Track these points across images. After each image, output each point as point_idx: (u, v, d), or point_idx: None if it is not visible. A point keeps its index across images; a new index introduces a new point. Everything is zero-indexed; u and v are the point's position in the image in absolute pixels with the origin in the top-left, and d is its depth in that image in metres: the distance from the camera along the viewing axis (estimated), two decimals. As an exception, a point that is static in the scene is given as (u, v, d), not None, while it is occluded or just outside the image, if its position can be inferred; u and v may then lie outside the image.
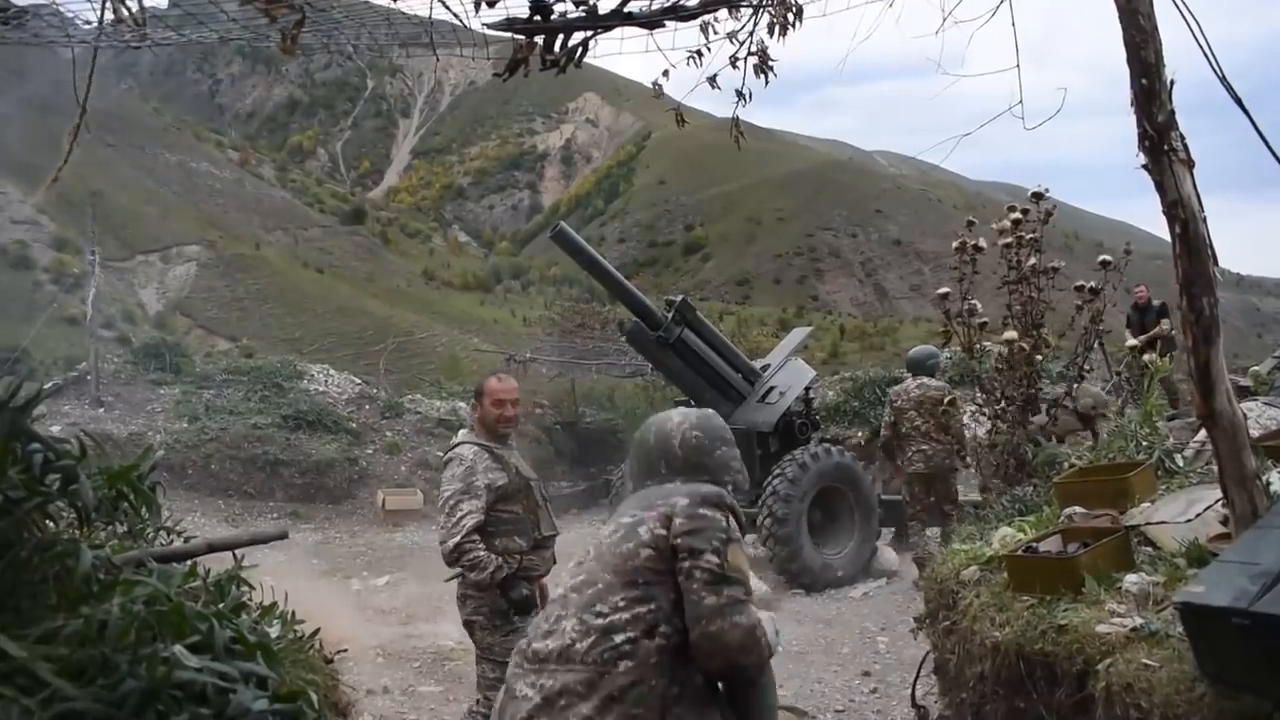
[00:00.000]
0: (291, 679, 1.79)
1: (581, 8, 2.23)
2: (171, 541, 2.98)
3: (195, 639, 1.35)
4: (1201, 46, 2.16)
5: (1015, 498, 4.65)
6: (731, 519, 1.82)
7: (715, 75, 4.35)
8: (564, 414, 15.48)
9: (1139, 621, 2.31)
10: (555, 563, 3.50)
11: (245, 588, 2.10)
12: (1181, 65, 2.34)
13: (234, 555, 2.16)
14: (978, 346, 6.46)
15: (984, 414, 6.77)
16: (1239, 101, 2.19)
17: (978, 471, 7.39)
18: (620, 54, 2.72)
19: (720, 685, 1.79)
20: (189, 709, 1.20)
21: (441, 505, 3.29)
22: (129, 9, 2.34)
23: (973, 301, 6.42)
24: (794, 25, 3.62)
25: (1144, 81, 2.22)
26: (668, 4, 2.38)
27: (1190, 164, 2.21)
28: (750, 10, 3.28)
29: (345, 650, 3.55)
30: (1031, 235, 6.16)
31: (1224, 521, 2.90)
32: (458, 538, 3.18)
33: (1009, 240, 6.15)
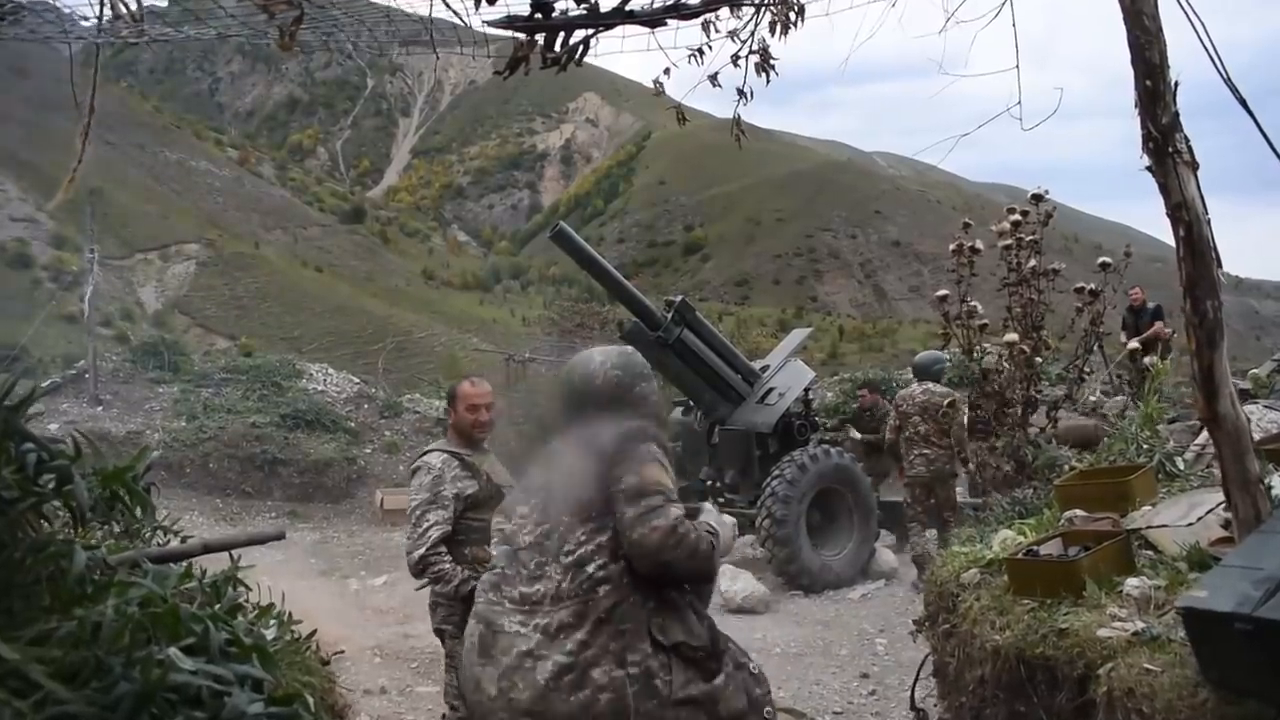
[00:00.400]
0: (288, 681, 1.77)
1: (583, 5, 2.22)
2: (169, 541, 2.97)
3: (190, 641, 1.34)
4: (1205, 46, 2.15)
5: (1015, 500, 4.63)
6: (653, 445, 2.00)
7: (716, 74, 4.32)
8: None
9: (1140, 626, 2.29)
10: None
11: (242, 589, 2.09)
12: (1181, 68, 2.33)
13: (230, 556, 2.15)
14: (977, 348, 6.45)
15: (983, 415, 6.77)
16: (1243, 102, 2.18)
17: (969, 474, 7.39)
18: (621, 52, 2.71)
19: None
20: (183, 712, 1.18)
21: (409, 514, 3.24)
22: (127, 6, 2.33)
23: (972, 303, 6.42)
24: (796, 24, 3.61)
25: (1148, 83, 2.20)
26: (669, 2, 2.36)
27: (1194, 166, 2.20)
28: (752, 9, 3.26)
29: (342, 651, 3.53)
30: (1031, 237, 6.15)
31: (1225, 525, 2.89)
32: (423, 549, 3.13)
33: (1009, 242, 6.14)
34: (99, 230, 18.87)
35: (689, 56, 4.31)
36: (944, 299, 6.36)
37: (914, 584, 7.51)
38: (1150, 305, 10.16)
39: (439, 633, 3.31)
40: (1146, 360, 6.69)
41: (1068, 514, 3.41)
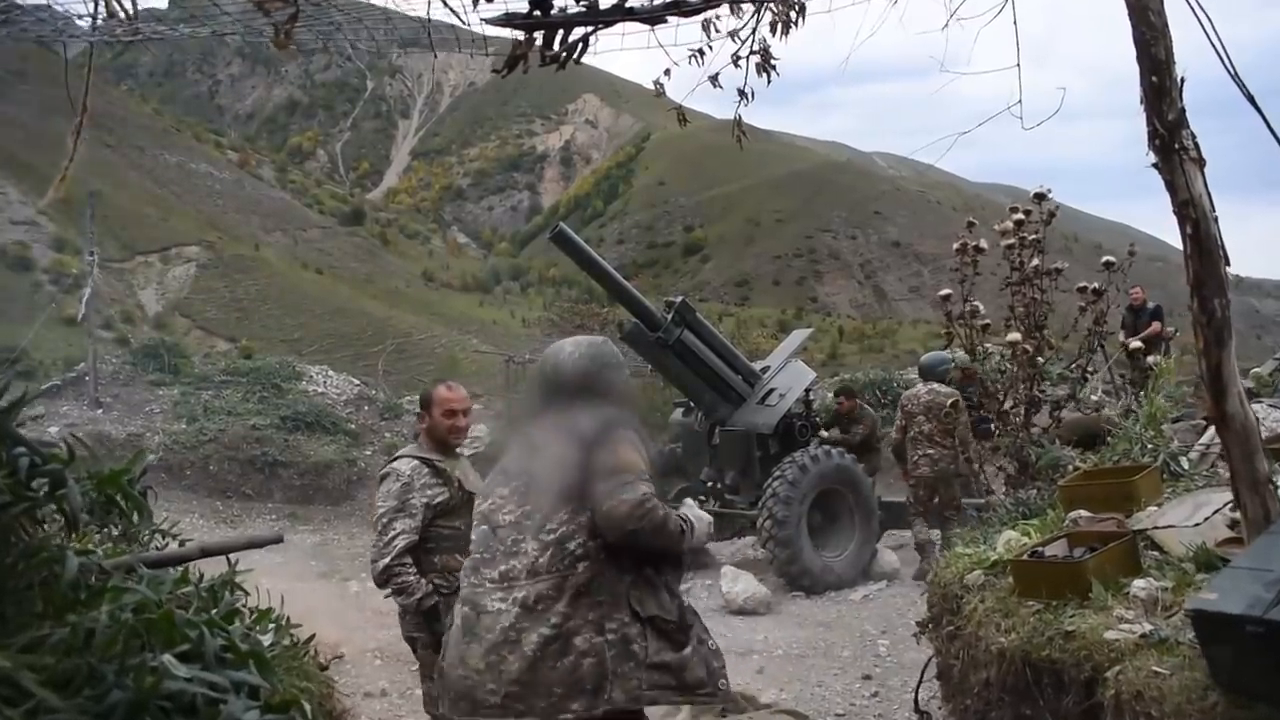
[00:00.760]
0: (286, 687, 1.75)
1: (582, 3, 2.20)
2: (168, 544, 2.94)
3: (185, 648, 1.31)
4: (1211, 41, 2.13)
5: (1019, 500, 4.60)
6: (629, 431, 2.14)
7: (717, 74, 4.30)
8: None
9: (1148, 628, 2.27)
10: None
11: (240, 593, 2.07)
12: (1184, 66, 2.30)
13: (228, 560, 2.13)
14: (980, 348, 6.43)
15: (986, 415, 6.74)
16: (1250, 98, 2.16)
17: (980, 474, 7.37)
18: (622, 50, 2.69)
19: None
20: (177, 721, 1.16)
21: (375, 523, 3.14)
22: (122, 5, 2.31)
23: (974, 303, 6.39)
24: (797, 23, 3.59)
25: (1154, 79, 2.18)
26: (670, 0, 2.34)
27: (1201, 163, 2.17)
28: (752, 7, 3.24)
29: (341, 655, 3.50)
30: (1034, 236, 6.13)
31: (1232, 526, 2.86)
32: (388, 559, 3.04)
33: (1011, 241, 6.12)
34: (99, 233, 18.84)
35: (689, 57, 4.28)
36: (947, 298, 6.33)
37: (914, 576, 7.54)
38: (1150, 305, 10.15)
39: (411, 640, 3.23)
40: (1150, 360, 6.65)
41: (1072, 515, 3.38)
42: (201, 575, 2.04)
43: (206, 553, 1.98)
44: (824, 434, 9.17)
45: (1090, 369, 6.55)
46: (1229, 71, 2.24)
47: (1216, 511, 2.97)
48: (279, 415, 13.65)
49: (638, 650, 2.02)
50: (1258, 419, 2.37)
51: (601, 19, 2.21)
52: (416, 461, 3.21)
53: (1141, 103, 2.23)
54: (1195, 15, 2.11)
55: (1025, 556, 3.00)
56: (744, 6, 3.29)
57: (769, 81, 4.21)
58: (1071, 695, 2.26)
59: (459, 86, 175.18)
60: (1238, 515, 2.75)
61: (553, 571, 2.02)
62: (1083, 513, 3.35)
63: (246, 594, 2.11)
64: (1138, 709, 1.97)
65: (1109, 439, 4.54)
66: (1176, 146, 2.16)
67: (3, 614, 1.20)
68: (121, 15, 2.31)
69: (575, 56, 2.41)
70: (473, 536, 2.25)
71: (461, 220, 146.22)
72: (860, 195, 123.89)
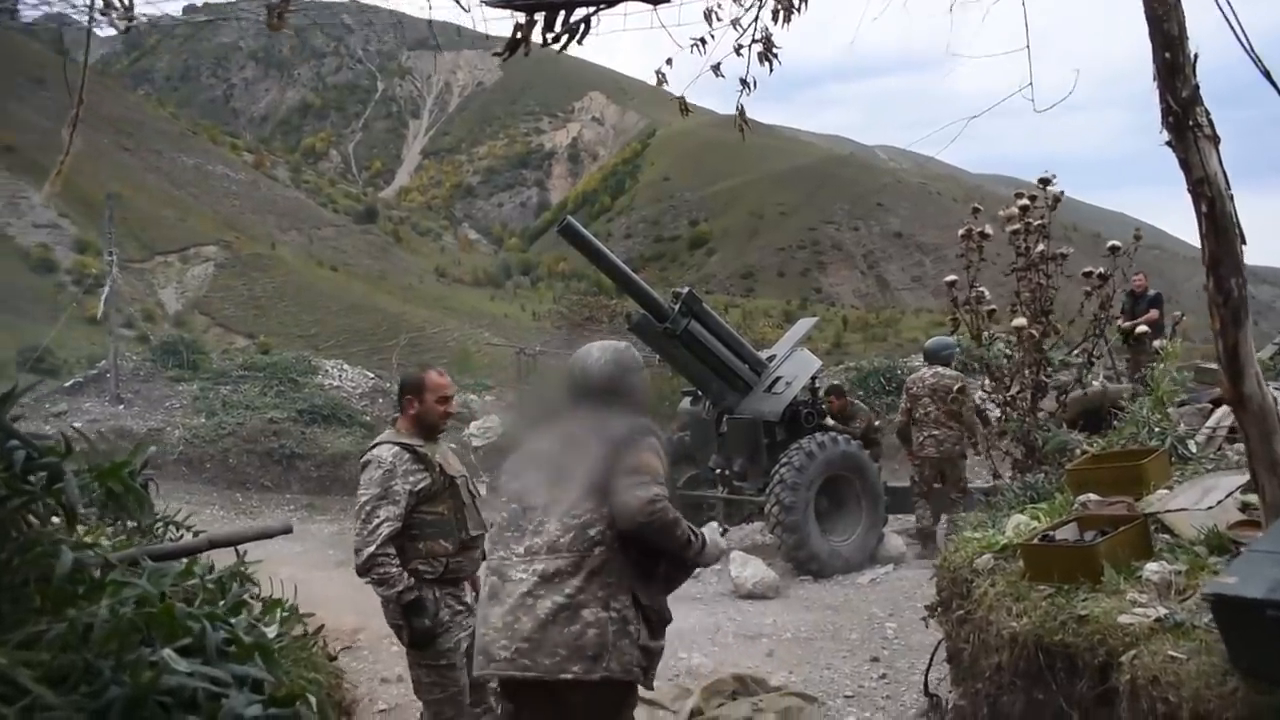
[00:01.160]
0: (294, 679, 1.75)
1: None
2: (181, 536, 2.96)
3: (187, 641, 1.31)
4: (1226, 16, 2.08)
5: (1026, 485, 4.55)
6: (654, 440, 2.40)
7: (719, 64, 4.27)
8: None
9: (1163, 612, 2.23)
10: (484, 558, 3.36)
11: (248, 584, 2.07)
12: (1194, 45, 2.24)
13: (237, 551, 2.13)
14: (986, 334, 6.36)
15: (993, 401, 6.68)
16: (1267, 74, 2.10)
17: (986, 457, 7.34)
18: (624, 30, 2.65)
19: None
20: (177, 716, 1.16)
21: (357, 511, 3.09)
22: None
23: (980, 289, 6.33)
24: (799, 9, 3.54)
25: (1167, 55, 2.13)
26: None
27: (1216, 140, 2.12)
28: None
29: (349, 645, 3.51)
30: (1040, 221, 6.05)
31: (1243, 509, 2.82)
32: (372, 548, 2.98)
33: (1017, 227, 6.04)
34: (119, 234, 18.99)
35: (691, 46, 4.25)
36: (952, 284, 6.27)
37: (915, 556, 7.60)
38: (1150, 293, 10.05)
39: (397, 629, 3.19)
40: (1156, 343, 6.57)
41: (1081, 498, 3.34)
42: (211, 567, 2.05)
43: (215, 544, 1.98)
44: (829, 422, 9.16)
45: (1096, 354, 6.47)
46: (1244, 47, 2.18)
47: (1230, 495, 2.93)
48: (296, 409, 13.75)
49: (633, 631, 2.27)
50: (1276, 400, 2.32)
51: None
52: (398, 448, 3.16)
53: (1155, 80, 2.18)
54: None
55: (1036, 540, 2.97)
56: (745, -9, 3.25)
57: (771, 70, 4.17)
58: (1085, 680, 2.23)
59: (468, 86, 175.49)
60: (1250, 498, 2.71)
61: (573, 550, 2.27)
62: (1092, 496, 3.31)
63: (256, 585, 2.12)
64: (1154, 694, 1.94)
65: (1115, 421, 4.49)
66: (1190, 123, 2.11)
67: None
68: (119, 6, 2.30)
69: (578, 38, 2.38)
70: (502, 514, 2.46)
71: (472, 217, 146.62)
72: (862, 188, 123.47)
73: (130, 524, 2.75)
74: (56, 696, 1.09)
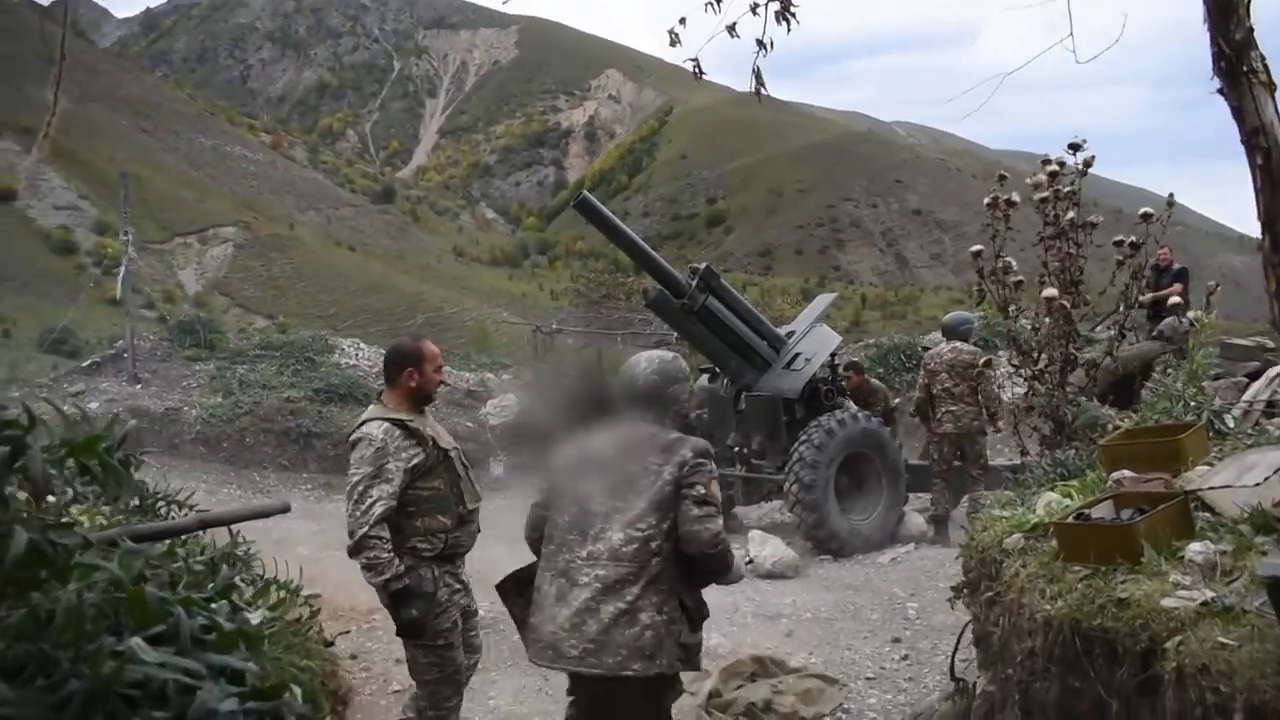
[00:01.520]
0: (286, 665, 1.66)
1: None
2: (185, 514, 2.88)
3: (160, 629, 1.22)
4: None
5: (1056, 461, 4.40)
6: (712, 464, 2.70)
7: (734, 24, 4.13)
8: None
9: (1209, 595, 2.10)
10: (479, 531, 3.23)
11: (242, 566, 1.99)
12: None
13: (229, 531, 2.04)
14: (1012, 306, 6.18)
15: (1020, 375, 6.50)
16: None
17: (1015, 434, 7.18)
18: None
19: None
20: (143, 711, 1.06)
21: (349, 491, 2.95)
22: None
23: (1007, 259, 6.14)
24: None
25: (1218, -5, 1.96)
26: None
27: (1272, 87, 1.95)
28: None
29: (348, 631, 3.43)
30: (1070, 188, 5.84)
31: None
32: (365, 529, 2.85)
33: (1046, 194, 5.83)
34: (139, 215, 19.10)
35: (705, 5, 4.08)
36: (978, 254, 6.07)
37: (929, 539, 7.57)
38: (1175, 266, 9.77)
39: (388, 607, 3.03)
40: (1191, 314, 6.35)
41: (1115, 475, 3.19)
42: (203, 549, 1.97)
43: (206, 524, 1.89)
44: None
45: (1127, 325, 6.27)
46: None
47: (1277, 471, 2.77)
48: (312, 388, 13.77)
49: (678, 630, 2.61)
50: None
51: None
52: (388, 424, 3.02)
53: (1205, 23, 2.01)
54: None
55: (1070, 519, 2.83)
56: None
57: (789, 30, 4.02)
58: (1126, 667, 2.09)
59: (484, 65, 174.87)
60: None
61: (635, 560, 2.58)
62: (1126, 473, 3.16)
63: (248, 567, 2.04)
64: (1203, 683, 1.81)
65: (1147, 394, 4.33)
66: (1245, 69, 1.94)
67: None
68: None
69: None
70: (565, 516, 2.69)
71: (489, 196, 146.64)
72: (880, 164, 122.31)
73: (132, 503, 2.69)
74: (10, 689, 0.99)
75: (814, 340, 8.21)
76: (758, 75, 4.17)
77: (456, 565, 3.18)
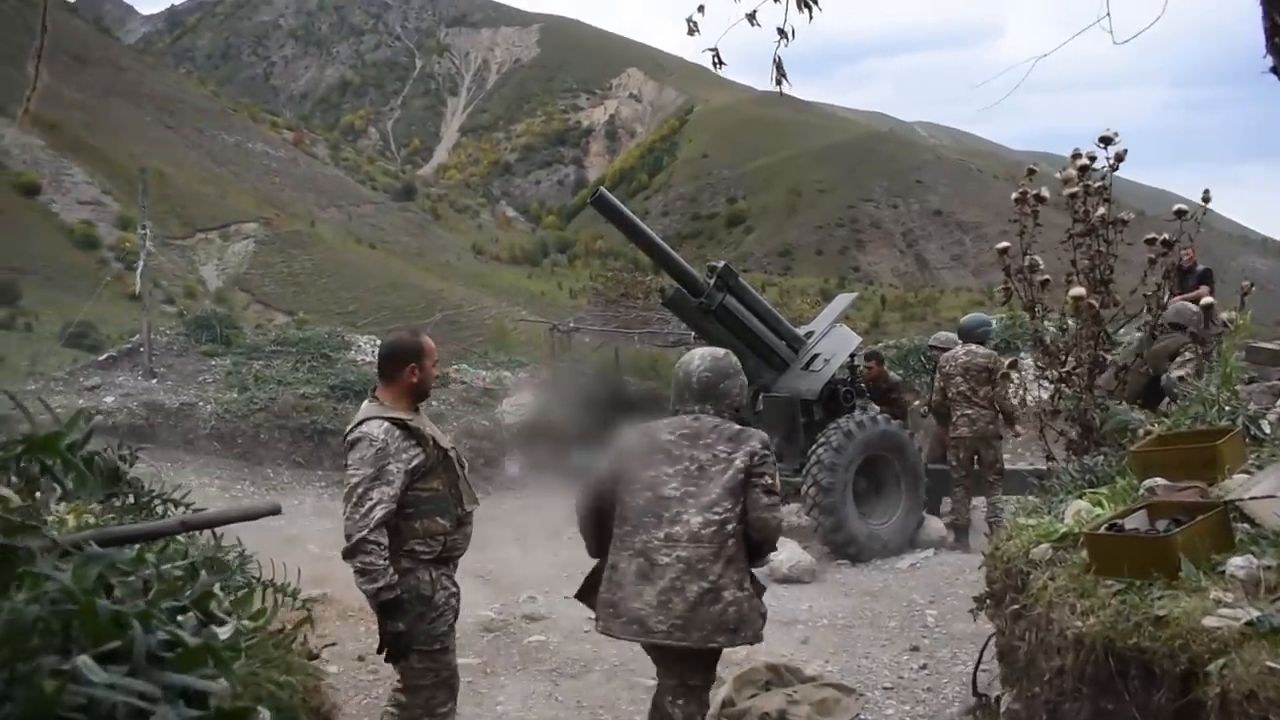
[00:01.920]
0: (262, 681, 1.56)
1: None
2: (182, 513, 2.79)
3: (115, 645, 1.12)
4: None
5: (1084, 467, 4.24)
6: (772, 453, 2.97)
7: (754, 12, 4.02)
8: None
9: (1254, 614, 1.96)
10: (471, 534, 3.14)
11: (230, 570, 1.89)
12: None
13: (213, 534, 1.95)
14: (1039, 306, 6.01)
15: (1046, 378, 6.32)
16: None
17: (1040, 438, 7.01)
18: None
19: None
20: (84, 737, 0.96)
21: (348, 493, 2.85)
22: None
23: (1034, 257, 5.97)
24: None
25: (1272, -32, 1.82)
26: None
27: (1329, 66, 1.81)
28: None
29: (335, 644, 3.32)
30: (1100, 183, 5.65)
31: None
32: (363, 532, 2.77)
33: (1075, 189, 5.66)
34: (161, 211, 19.25)
35: (725, -8, 3.96)
36: (1004, 251, 5.91)
37: (948, 545, 7.43)
38: (1200, 268, 9.51)
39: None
40: (1224, 316, 6.15)
41: (1148, 483, 3.04)
42: (186, 551, 1.87)
43: (188, 527, 1.79)
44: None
45: (1159, 327, 6.07)
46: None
47: (1325, 481, 2.62)
48: (328, 384, 13.71)
49: (758, 604, 2.91)
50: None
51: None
52: (388, 423, 2.90)
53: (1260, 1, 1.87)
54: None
55: (1103, 529, 2.69)
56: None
57: (811, 18, 3.90)
58: (1164, 690, 1.96)
59: (505, 63, 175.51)
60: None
61: (713, 542, 2.81)
62: (1159, 481, 3.02)
63: (243, 569, 1.94)
64: (1251, 711, 1.67)
65: (1174, 401, 4.16)
66: (1299, 48, 1.80)
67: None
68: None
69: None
70: (638, 500, 2.88)
71: (509, 194, 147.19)
72: (901, 164, 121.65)
73: (131, 502, 2.60)
74: (-68, 716, 0.90)
75: (833, 341, 8.05)
76: (779, 66, 4.06)
77: (451, 568, 3.10)
